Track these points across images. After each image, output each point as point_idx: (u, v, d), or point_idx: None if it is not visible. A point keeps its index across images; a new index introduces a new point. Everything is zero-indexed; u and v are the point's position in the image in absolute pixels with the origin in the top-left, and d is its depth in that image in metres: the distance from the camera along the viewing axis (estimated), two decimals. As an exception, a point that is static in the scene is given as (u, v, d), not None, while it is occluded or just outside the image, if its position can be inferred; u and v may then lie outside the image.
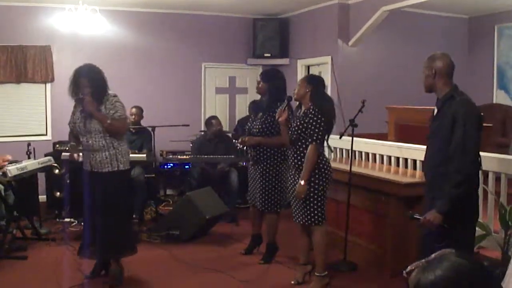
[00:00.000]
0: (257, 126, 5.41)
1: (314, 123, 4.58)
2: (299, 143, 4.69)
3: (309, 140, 4.58)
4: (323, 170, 4.64)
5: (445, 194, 3.47)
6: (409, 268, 1.44)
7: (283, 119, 4.87)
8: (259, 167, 5.41)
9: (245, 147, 5.69)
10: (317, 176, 4.61)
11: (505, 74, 9.10)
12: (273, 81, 5.45)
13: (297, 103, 4.88)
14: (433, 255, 1.41)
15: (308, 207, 4.65)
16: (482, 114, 3.63)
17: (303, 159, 4.63)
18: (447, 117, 3.52)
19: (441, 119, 3.60)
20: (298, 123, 4.69)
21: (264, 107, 5.44)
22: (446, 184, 3.48)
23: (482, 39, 9.40)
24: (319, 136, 4.59)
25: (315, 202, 4.63)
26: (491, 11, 9.05)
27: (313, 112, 4.61)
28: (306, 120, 4.61)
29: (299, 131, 4.67)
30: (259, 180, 5.42)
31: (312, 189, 4.62)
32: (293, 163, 4.76)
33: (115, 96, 4.86)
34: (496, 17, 9.11)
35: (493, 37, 9.21)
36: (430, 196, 3.72)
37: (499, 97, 9.17)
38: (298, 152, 4.70)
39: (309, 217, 4.67)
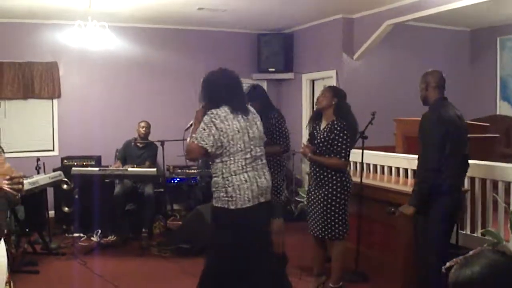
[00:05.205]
0: None
1: (340, 140, 4.52)
2: None
3: (337, 156, 4.53)
4: (345, 183, 4.62)
5: (414, 190, 4.08)
6: (448, 264, 1.49)
7: (307, 152, 4.70)
8: None
9: None
10: (339, 190, 4.60)
11: (507, 86, 9.17)
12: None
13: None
14: (471, 252, 1.47)
15: (330, 222, 4.62)
16: (442, 118, 3.96)
17: (325, 173, 4.60)
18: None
19: None
20: (322, 138, 4.62)
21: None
22: None
23: (484, 51, 9.49)
24: (347, 153, 4.56)
25: (337, 216, 4.60)
26: (493, 24, 9.14)
27: (338, 128, 4.55)
28: (332, 136, 4.55)
29: (323, 147, 4.60)
30: None
31: (334, 204, 4.59)
32: (314, 177, 4.70)
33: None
34: (498, 30, 9.20)
35: (496, 49, 9.29)
36: None
37: (503, 108, 9.23)
38: (320, 166, 4.64)
39: (330, 230, 4.63)
